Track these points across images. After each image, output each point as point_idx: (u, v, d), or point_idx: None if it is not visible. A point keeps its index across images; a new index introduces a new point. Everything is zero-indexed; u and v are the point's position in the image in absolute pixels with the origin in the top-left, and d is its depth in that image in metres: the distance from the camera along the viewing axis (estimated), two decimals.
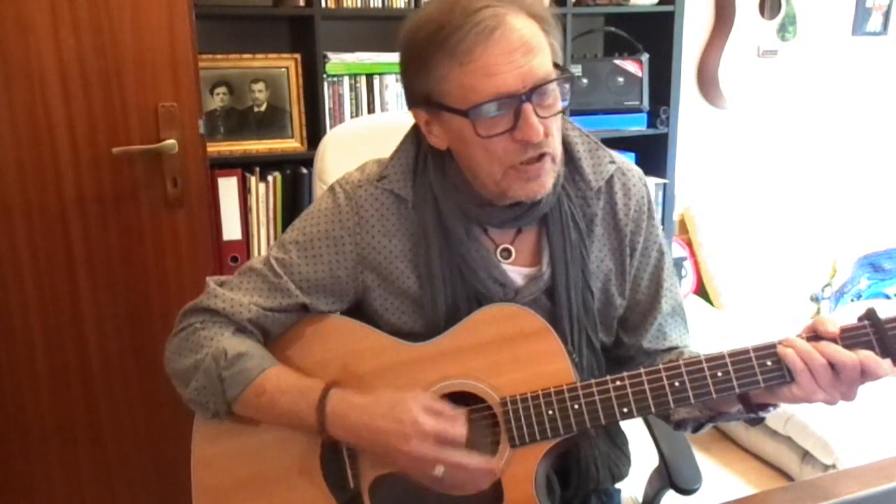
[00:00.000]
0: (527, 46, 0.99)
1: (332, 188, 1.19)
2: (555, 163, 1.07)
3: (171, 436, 1.90)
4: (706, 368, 1.01)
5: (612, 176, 1.18)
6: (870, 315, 0.99)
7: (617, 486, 1.31)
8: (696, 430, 1.17)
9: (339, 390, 1.07)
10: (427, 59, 1.02)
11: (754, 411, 1.05)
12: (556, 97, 1.04)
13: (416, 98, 1.08)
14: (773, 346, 1.00)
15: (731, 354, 1.01)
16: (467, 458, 1.01)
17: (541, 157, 1.04)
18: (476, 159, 1.06)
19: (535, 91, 1.00)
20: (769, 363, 0.99)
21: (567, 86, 1.06)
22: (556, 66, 1.04)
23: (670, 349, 1.22)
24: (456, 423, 1.02)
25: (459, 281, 1.13)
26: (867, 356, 0.96)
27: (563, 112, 1.07)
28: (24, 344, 1.86)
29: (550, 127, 1.03)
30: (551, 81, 1.02)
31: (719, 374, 1.00)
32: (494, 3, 1.00)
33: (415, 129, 1.17)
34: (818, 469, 2.33)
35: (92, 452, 1.97)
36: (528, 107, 1.00)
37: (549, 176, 1.06)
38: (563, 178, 1.14)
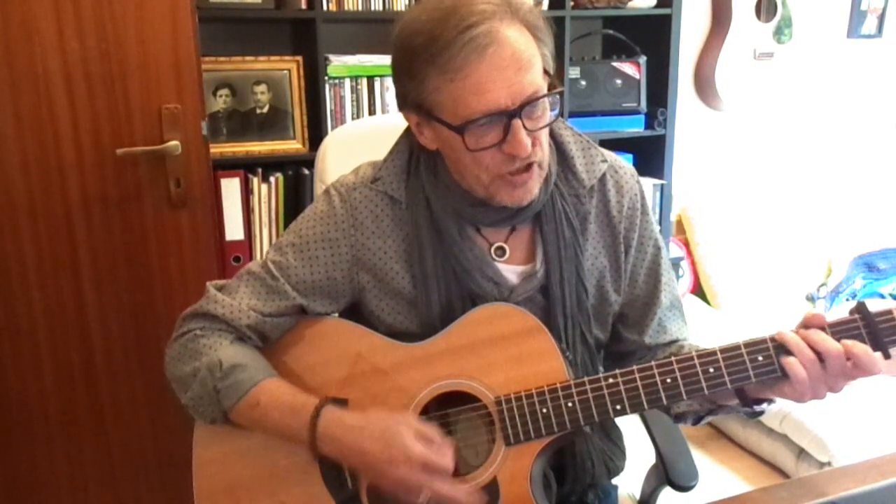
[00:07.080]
0: (518, 63, 1.00)
1: (326, 191, 1.19)
2: (542, 169, 1.09)
3: (174, 434, 1.92)
4: (698, 364, 1.02)
5: (604, 174, 1.19)
6: (860, 308, 0.99)
7: (614, 482, 1.32)
8: (695, 422, 1.18)
9: (332, 409, 1.07)
10: (419, 70, 1.03)
11: (750, 405, 1.06)
12: (546, 108, 1.05)
13: (408, 103, 1.09)
14: (765, 341, 1.01)
15: (723, 350, 1.02)
16: (452, 488, 1.02)
17: (528, 166, 1.05)
18: (465, 165, 1.07)
19: (524, 107, 1.01)
20: (760, 358, 1.00)
21: (557, 97, 1.07)
22: (546, 73, 1.05)
23: (671, 343, 1.23)
24: (444, 454, 1.02)
25: (453, 280, 1.14)
26: (855, 345, 0.96)
27: (551, 123, 1.08)
28: (29, 343, 1.87)
29: (539, 138, 1.05)
30: (541, 98, 1.03)
31: (711, 369, 1.01)
32: (488, 14, 0.99)
33: (408, 132, 1.18)
34: (814, 466, 2.33)
35: (96, 450, 1.98)
36: (517, 123, 1.01)
37: (535, 182, 1.08)
38: (556, 176, 1.15)
